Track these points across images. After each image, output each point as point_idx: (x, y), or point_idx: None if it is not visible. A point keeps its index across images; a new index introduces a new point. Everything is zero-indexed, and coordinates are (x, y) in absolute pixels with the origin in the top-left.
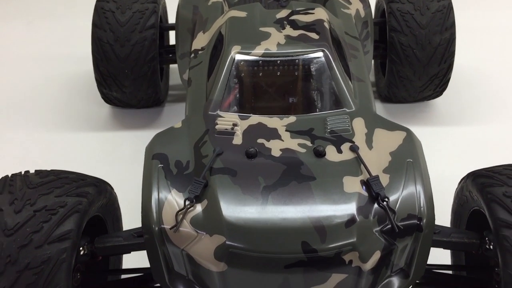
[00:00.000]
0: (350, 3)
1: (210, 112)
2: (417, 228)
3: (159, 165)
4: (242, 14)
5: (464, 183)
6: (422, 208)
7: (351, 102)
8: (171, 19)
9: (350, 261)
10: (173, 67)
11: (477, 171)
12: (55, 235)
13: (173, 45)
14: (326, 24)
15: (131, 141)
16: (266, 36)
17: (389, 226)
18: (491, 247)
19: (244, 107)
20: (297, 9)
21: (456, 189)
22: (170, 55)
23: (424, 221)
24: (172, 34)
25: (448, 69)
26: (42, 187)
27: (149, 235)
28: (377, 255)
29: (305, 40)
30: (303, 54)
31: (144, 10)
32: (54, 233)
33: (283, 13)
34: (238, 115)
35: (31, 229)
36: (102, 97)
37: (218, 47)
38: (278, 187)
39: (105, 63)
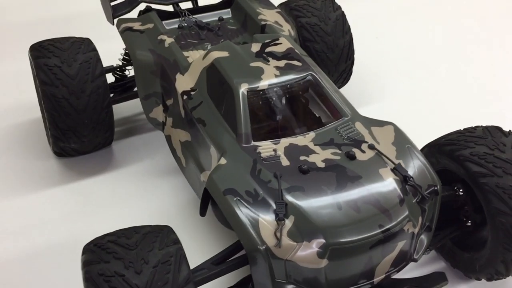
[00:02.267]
0: (282, 26)
1: (245, 145)
2: (435, 193)
3: (234, 198)
4: (224, 53)
5: (427, 151)
6: (433, 178)
7: (346, 111)
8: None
9: (407, 229)
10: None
11: (437, 141)
12: (180, 282)
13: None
14: (297, 51)
15: (99, 187)
16: (261, 70)
17: (420, 197)
18: (461, 193)
19: (271, 134)
20: (265, 41)
21: None
22: (121, 96)
23: (438, 186)
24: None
25: (352, 64)
26: (141, 246)
27: (255, 255)
28: (419, 220)
29: (292, 68)
30: (298, 81)
31: (89, 60)
32: (179, 280)
33: (255, 47)
34: (270, 141)
35: (161, 282)
36: (55, 151)
37: (215, 86)
38: (341, 190)
39: (64, 118)
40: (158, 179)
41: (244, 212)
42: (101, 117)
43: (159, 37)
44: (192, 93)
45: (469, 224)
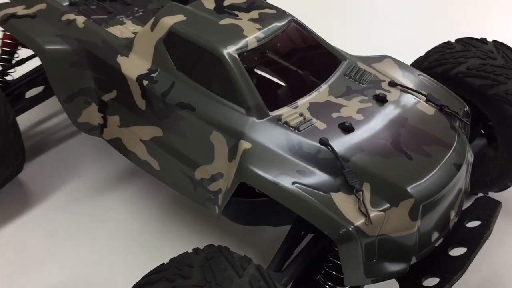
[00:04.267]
0: None
1: (263, 118)
2: (467, 115)
3: (291, 183)
4: (179, 17)
5: None
6: (459, 100)
7: (341, 53)
8: None
9: (469, 160)
10: None
11: (420, 66)
12: None
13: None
14: None
15: (26, 235)
16: (238, 27)
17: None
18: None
19: (282, 97)
20: None
21: None
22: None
23: (467, 108)
24: None
25: None
26: (215, 281)
27: (344, 240)
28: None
29: (269, 17)
30: (284, 29)
31: None
32: None
33: (209, 3)
34: (288, 107)
35: None
36: None
37: (185, 59)
38: (398, 138)
39: None
40: (98, 197)
41: (312, 195)
42: (8, 141)
43: (64, 18)
44: (153, 75)
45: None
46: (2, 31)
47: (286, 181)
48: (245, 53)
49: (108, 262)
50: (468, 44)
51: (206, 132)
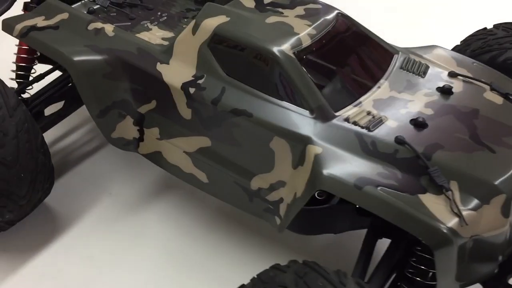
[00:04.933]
0: None
1: (330, 120)
2: None
3: (377, 188)
4: (222, 18)
5: None
6: None
7: (391, 46)
8: None
9: None
10: None
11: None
12: None
13: None
14: None
15: (60, 266)
16: (287, 25)
17: None
18: None
19: (344, 96)
20: None
21: None
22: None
23: None
24: None
25: None
26: None
27: (442, 243)
28: None
29: (316, 12)
30: (334, 24)
31: None
32: None
33: (248, 2)
34: (352, 105)
35: None
36: None
37: (235, 62)
38: (475, 131)
39: None
40: (132, 216)
41: (399, 198)
42: (39, 162)
43: (90, 27)
44: (200, 81)
45: None
46: (17, 45)
47: (369, 186)
48: (300, 52)
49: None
50: (509, 29)
51: (265, 138)
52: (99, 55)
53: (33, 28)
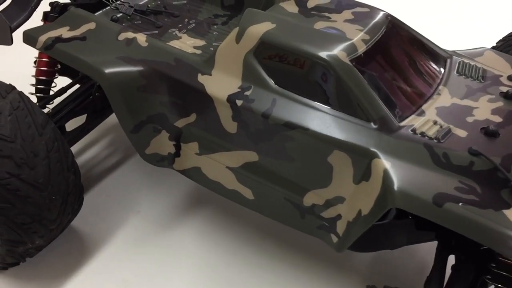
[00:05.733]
0: None
1: (395, 131)
2: None
3: (459, 204)
4: (267, 25)
5: None
6: None
7: (442, 49)
8: None
9: None
10: None
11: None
12: None
13: None
14: None
15: None
16: (338, 30)
17: None
18: None
19: (405, 105)
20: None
21: None
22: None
23: None
24: None
25: None
26: None
27: None
28: None
29: (365, 16)
30: (386, 28)
31: (18, 104)
32: None
33: (290, 7)
34: (415, 115)
35: None
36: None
37: (286, 71)
38: None
39: (21, 206)
40: (163, 234)
41: (483, 215)
42: (70, 183)
43: (121, 37)
44: (247, 92)
45: None
46: (36, 57)
47: (450, 202)
48: (356, 59)
49: None
50: None
51: (323, 153)
52: (132, 66)
53: (59, 39)
